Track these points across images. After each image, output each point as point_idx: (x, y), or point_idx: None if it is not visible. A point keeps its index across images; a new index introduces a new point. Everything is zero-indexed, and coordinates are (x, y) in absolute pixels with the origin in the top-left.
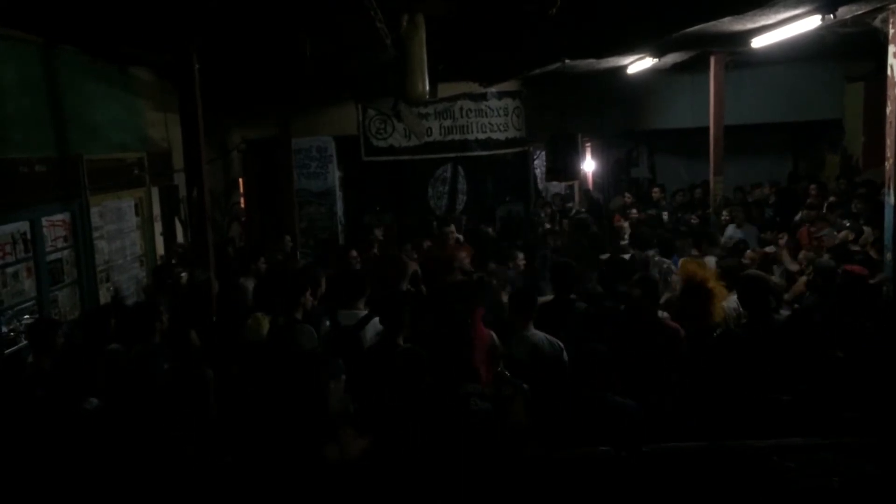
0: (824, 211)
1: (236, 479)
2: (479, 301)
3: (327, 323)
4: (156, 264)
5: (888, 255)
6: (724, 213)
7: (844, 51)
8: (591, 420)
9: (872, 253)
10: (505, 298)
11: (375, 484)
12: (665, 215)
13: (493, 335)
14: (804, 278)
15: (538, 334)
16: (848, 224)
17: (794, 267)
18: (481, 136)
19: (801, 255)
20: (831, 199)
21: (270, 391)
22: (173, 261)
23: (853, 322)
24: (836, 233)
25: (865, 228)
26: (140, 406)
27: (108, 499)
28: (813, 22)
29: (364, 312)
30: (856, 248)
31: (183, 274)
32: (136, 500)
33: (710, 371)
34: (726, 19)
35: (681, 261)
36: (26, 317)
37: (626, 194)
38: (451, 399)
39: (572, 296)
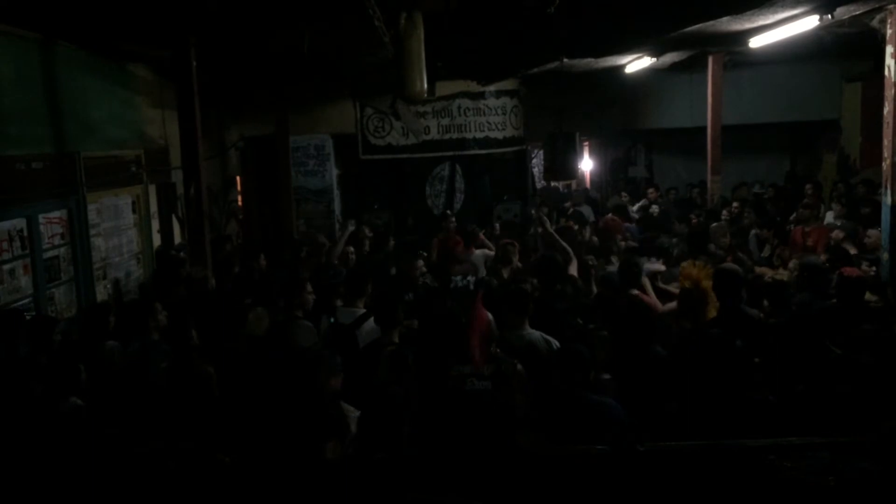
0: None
1: (236, 478)
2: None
3: (331, 320)
4: (154, 262)
5: (885, 256)
6: (724, 212)
7: (842, 51)
8: (571, 418)
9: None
10: None
11: (371, 478)
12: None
13: (491, 318)
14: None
15: (534, 333)
16: (840, 224)
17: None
18: (479, 135)
19: (792, 263)
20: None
21: (269, 388)
22: (181, 254)
23: (852, 322)
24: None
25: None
26: (135, 403)
27: (104, 499)
28: (811, 22)
29: (362, 311)
30: (852, 248)
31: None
32: (135, 500)
33: (690, 368)
34: (724, 19)
35: (682, 264)
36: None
37: (623, 193)
38: (444, 382)
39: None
